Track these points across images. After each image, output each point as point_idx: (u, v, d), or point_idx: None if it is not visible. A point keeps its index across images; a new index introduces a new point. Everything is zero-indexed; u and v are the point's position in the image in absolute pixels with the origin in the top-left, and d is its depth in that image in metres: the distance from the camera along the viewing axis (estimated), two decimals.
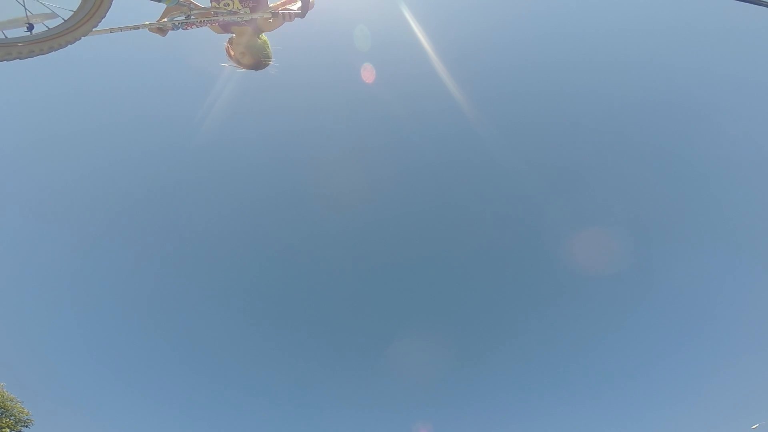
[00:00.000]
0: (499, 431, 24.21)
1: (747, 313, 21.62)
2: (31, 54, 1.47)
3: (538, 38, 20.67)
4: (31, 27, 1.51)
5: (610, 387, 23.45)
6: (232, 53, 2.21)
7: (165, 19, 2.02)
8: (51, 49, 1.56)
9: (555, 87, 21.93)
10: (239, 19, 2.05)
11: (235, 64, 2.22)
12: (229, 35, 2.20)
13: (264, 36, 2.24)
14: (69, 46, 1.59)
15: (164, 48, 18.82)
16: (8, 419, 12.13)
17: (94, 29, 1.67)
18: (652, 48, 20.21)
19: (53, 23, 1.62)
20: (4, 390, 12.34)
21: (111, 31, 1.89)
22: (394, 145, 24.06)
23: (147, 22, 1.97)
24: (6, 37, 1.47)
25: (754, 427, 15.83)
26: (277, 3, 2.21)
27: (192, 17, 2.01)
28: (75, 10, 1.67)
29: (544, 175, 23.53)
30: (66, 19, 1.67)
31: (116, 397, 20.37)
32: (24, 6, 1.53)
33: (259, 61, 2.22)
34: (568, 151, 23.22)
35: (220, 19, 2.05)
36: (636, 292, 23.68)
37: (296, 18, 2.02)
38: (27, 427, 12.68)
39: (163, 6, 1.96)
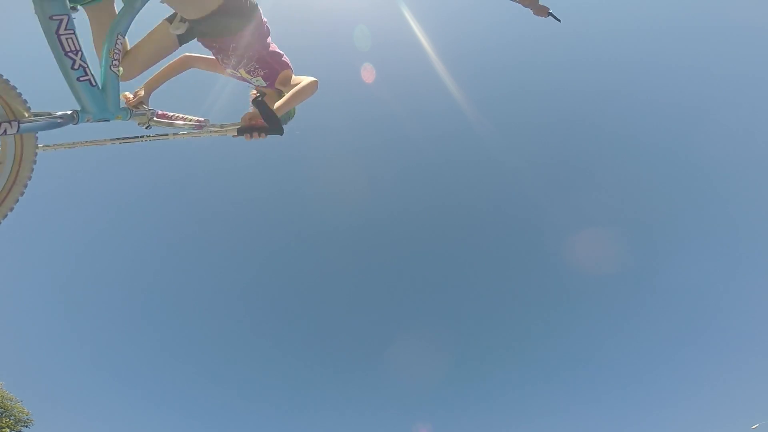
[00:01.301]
0: (499, 431, 24.21)
1: (747, 313, 21.62)
2: None
3: (538, 37, 20.68)
4: None
5: (610, 387, 23.45)
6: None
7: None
8: None
9: (555, 86, 21.96)
10: (215, 134, 1.73)
11: None
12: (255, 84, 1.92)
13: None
14: None
15: None
16: (8, 419, 12.13)
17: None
18: (653, 47, 20.22)
19: None
20: (4, 390, 12.34)
21: (73, 145, 1.62)
22: (394, 144, 24.07)
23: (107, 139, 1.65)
24: None
25: (754, 427, 15.83)
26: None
27: (153, 124, 1.72)
28: None
29: (544, 174, 23.54)
30: None
31: (116, 397, 20.37)
32: None
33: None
34: (568, 150, 23.23)
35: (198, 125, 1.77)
36: (636, 292, 23.68)
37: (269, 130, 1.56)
38: (27, 427, 12.67)
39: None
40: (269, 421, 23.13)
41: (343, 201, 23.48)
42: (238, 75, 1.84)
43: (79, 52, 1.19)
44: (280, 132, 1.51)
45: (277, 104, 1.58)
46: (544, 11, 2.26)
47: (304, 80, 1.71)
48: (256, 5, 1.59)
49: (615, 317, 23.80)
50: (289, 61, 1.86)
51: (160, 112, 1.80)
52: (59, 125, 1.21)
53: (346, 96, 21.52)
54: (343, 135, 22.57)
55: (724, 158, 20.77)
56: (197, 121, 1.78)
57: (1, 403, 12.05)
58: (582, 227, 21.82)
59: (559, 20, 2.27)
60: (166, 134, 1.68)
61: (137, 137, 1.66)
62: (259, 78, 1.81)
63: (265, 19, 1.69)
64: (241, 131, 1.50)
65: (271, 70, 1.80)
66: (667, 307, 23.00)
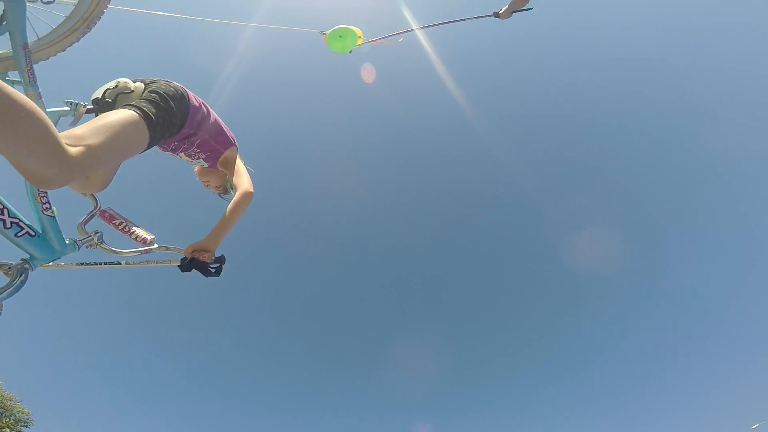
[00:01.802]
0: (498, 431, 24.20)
1: (747, 314, 21.62)
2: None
3: (538, 36, 20.69)
4: None
5: (611, 387, 23.44)
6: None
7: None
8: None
9: (556, 85, 21.96)
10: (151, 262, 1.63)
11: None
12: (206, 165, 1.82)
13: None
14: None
15: (165, 46, 18.82)
16: (8, 419, 12.13)
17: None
18: (653, 45, 20.22)
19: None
20: (4, 390, 12.35)
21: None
22: (394, 144, 24.07)
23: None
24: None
25: (754, 427, 15.83)
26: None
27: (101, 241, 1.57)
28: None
29: (545, 173, 23.54)
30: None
31: (115, 398, 20.37)
32: None
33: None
34: (569, 149, 23.22)
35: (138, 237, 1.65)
36: (637, 294, 23.68)
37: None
38: (27, 426, 12.68)
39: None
40: (270, 421, 23.13)
41: (343, 200, 23.49)
42: (178, 157, 1.72)
43: (4, 210, 1.11)
44: (218, 272, 1.49)
45: (211, 236, 1.51)
46: (511, 10, 2.04)
47: (237, 193, 1.59)
48: (182, 94, 1.39)
49: (616, 318, 23.81)
50: (232, 136, 1.75)
51: (107, 214, 1.65)
52: (21, 286, 1.15)
53: (346, 96, 21.54)
54: (343, 134, 22.58)
55: (726, 157, 20.78)
56: (143, 240, 1.65)
57: (1, 403, 12.06)
58: (583, 227, 21.83)
59: (531, 8, 2.10)
60: (119, 262, 1.62)
61: (93, 264, 1.59)
62: (200, 160, 1.71)
63: (198, 103, 1.50)
64: (184, 265, 1.45)
65: (214, 151, 1.69)
66: (667, 309, 23.00)
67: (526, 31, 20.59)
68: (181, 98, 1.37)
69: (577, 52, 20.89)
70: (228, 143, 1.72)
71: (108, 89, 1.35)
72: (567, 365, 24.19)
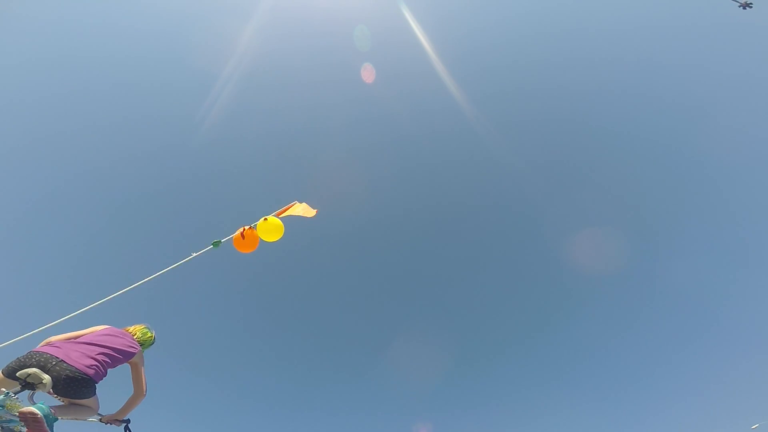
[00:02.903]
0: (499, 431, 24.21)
1: (747, 313, 21.63)
2: None
3: (539, 37, 20.68)
4: None
5: (610, 387, 23.45)
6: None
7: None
8: None
9: (556, 86, 21.95)
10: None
11: None
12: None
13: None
14: None
15: (164, 48, 18.80)
16: None
17: None
18: (653, 46, 20.21)
19: None
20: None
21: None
22: (393, 145, 24.06)
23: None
24: None
25: (754, 427, 15.84)
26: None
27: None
28: None
29: (545, 174, 23.54)
30: None
31: (116, 397, 20.32)
32: None
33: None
34: (569, 150, 23.23)
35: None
36: (636, 293, 23.68)
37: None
38: None
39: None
40: (268, 421, 23.13)
41: (342, 201, 23.48)
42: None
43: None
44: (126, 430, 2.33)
45: (119, 412, 2.33)
46: None
47: (134, 394, 2.40)
48: (86, 380, 2.02)
49: (615, 317, 23.81)
50: (129, 352, 2.37)
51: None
52: None
53: (345, 96, 21.53)
54: (342, 135, 22.57)
55: (724, 158, 20.79)
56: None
57: None
58: (582, 227, 21.83)
59: None
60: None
61: None
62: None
63: (103, 372, 2.18)
64: (101, 420, 2.30)
65: (126, 358, 2.41)
66: (666, 307, 23.02)
67: (529, 32, 20.58)
68: (85, 383, 2.01)
69: (575, 53, 20.90)
70: (124, 361, 2.39)
71: (29, 375, 1.84)
72: (568, 364, 24.20)
